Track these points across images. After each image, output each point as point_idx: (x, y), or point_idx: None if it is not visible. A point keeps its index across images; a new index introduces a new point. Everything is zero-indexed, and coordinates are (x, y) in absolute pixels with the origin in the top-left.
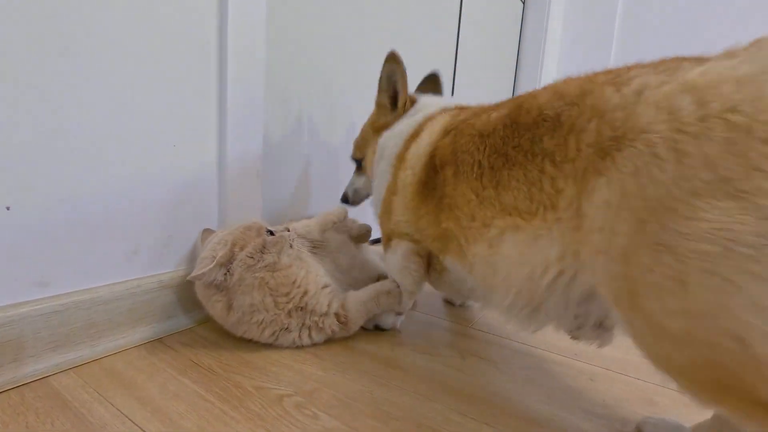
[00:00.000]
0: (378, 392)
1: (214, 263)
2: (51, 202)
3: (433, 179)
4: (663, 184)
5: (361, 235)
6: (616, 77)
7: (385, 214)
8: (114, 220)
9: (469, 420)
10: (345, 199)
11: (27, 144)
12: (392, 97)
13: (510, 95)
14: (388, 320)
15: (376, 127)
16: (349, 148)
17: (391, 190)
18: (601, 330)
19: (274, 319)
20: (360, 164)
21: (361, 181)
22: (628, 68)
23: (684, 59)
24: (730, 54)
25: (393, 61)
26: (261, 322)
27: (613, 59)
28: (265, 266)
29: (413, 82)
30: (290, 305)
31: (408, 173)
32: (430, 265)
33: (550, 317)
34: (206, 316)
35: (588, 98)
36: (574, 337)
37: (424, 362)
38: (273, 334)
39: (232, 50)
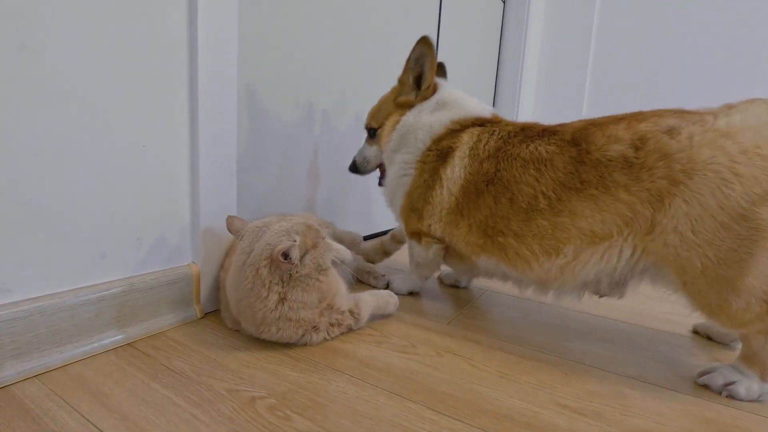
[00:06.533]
0: (353, 392)
1: (297, 243)
2: (11, 204)
3: (475, 201)
4: (734, 197)
5: (352, 245)
6: (659, 126)
7: (414, 213)
8: (79, 223)
9: (443, 417)
10: (354, 168)
11: None
12: (417, 78)
13: (491, 93)
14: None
15: (398, 103)
16: (327, 148)
17: (421, 194)
18: (621, 287)
19: (311, 318)
20: (373, 133)
21: (372, 152)
22: (659, 116)
23: (698, 113)
24: (730, 109)
25: (425, 44)
26: (299, 320)
27: (592, 56)
28: (324, 269)
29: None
30: (323, 305)
31: (444, 192)
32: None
33: (591, 289)
34: (183, 318)
35: (649, 144)
36: (601, 295)
37: (400, 360)
38: (305, 333)
39: (203, 47)
